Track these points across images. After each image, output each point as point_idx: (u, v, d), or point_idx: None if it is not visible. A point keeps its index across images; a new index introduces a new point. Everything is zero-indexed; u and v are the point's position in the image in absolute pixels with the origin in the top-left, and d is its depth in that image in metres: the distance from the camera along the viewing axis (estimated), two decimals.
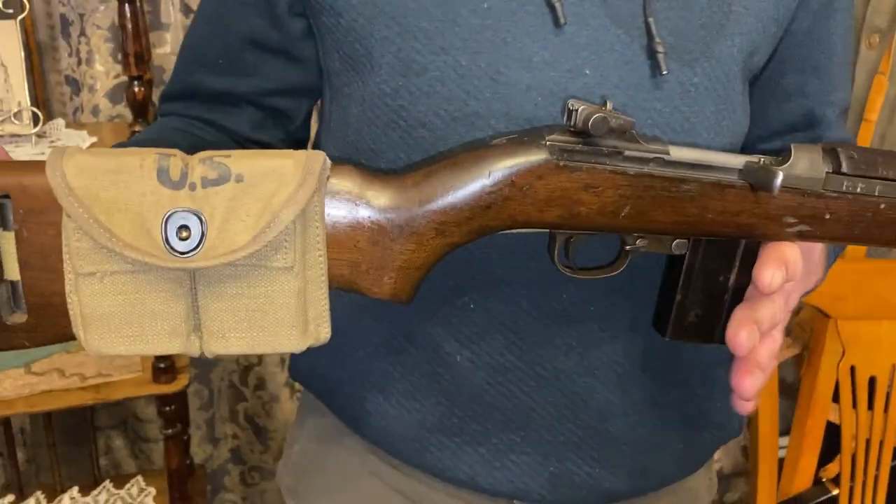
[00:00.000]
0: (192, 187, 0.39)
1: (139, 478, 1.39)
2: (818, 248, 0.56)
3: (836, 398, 1.31)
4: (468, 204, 0.44)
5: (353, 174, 0.43)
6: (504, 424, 0.59)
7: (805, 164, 0.48)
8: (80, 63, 1.27)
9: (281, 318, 0.41)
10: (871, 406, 1.25)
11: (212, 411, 1.52)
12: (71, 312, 0.40)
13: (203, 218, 0.39)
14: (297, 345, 0.42)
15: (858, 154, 0.49)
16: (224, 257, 0.39)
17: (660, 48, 0.51)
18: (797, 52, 0.61)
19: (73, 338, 0.41)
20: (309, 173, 0.40)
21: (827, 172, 0.48)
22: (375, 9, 0.53)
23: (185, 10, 1.27)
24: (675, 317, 0.52)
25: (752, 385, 0.49)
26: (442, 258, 0.46)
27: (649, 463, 0.62)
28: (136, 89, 1.04)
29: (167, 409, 1.16)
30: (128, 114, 1.27)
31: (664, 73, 0.52)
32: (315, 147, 0.65)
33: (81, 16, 1.24)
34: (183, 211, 0.38)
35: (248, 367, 1.48)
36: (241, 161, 0.39)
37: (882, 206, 0.49)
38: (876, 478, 1.30)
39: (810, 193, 0.48)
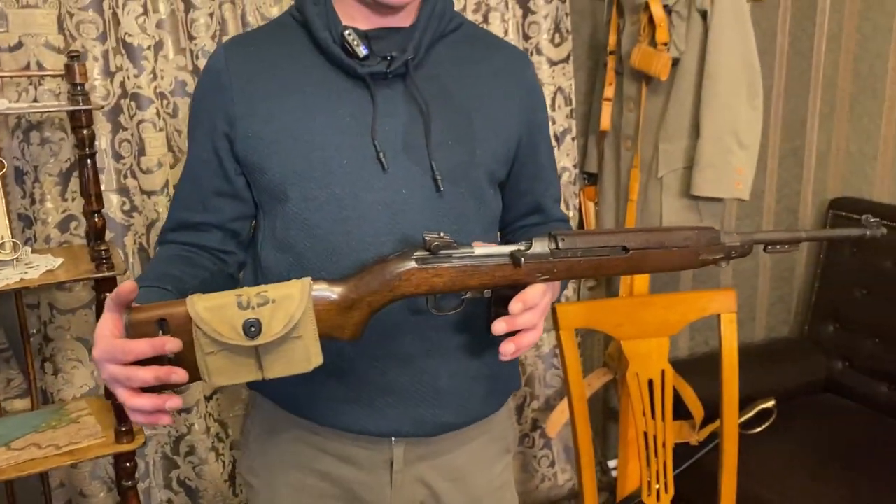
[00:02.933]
0: (253, 308, 0.80)
1: None
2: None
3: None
4: (381, 288, 0.88)
5: (325, 282, 0.87)
6: (380, 392, 1.01)
7: (539, 247, 0.91)
8: (32, 202, 1.61)
9: (298, 358, 0.83)
10: (652, 399, 1.71)
11: (148, 481, 1.81)
12: (201, 370, 0.81)
13: (260, 321, 0.80)
14: (306, 369, 0.84)
15: (568, 238, 0.91)
16: (271, 337, 0.81)
17: (438, 177, 0.97)
18: (523, 169, 1.09)
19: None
20: (304, 293, 0.83)
21: (551, 249, 0.91)
22: (285, 168, 0.97)
23: (117, 157, 1.65)
24: (491, 324, 0.94)
25: (507, 350, 0.90)
26: (372, 316, 0.88)
27: (467, 404, 1.05)
28: (96, 219, 1.41)
29: (127, 465, 1.48)
30: (74, 240, 1.62)
31: (441, 189, 0.97)
32: (253, 243, 1.07)
33: (35, 167, 1.59)
34: (250, 318, 0.80)
35: (179, 438, 1.79)
36: (274, 291, 0.82)
37: (580, 261, 0.93)
38: (665, 464, 1.74)
39: (544, 262, 0.91)
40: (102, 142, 1.63)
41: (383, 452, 1.04)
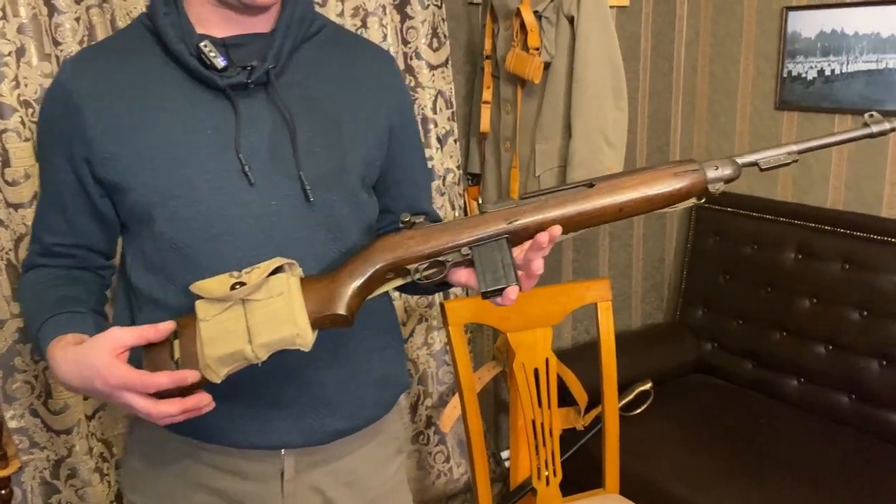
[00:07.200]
0: (240, 275, 0.87)
1: None
2: None
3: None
4: (359, 261, 0.91)
5: (316, 275, 0.93)
6: (268, 405, 1.00)
7: (501, 203, 0.91)
8: None
9: (283, 318, 0.85)
10: (538, 388, 1.78)
11: None
12: (197, 344, 0.85)
13: (244, 282, 0.86)
14: (293, 333, 0.85)
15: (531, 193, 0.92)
16: (251, 283, 0.85)
17: (307, 186, 0.96)
18: (393, 172, 1.10)
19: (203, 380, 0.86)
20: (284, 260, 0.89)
21: (516, 201, 0.91)
22: (148, 188, 0.95)
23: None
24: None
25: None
26: (361, 296, 0.91)
27: (357, 409, 1.06)
28: None
29: (2, 492, 1.40)
30: None
31: (311, 199, 0.97)
32: (122, 266, 1.04)
33: None
34: (236, 281, 0.86)
35: (58, 461, 1.71)
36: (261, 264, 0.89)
37: (547, 200, 0.90)
38: (553, 451, 1.81)
39: (511, 207, 0.90)
40: None
41: (274, 464, 1.03)
